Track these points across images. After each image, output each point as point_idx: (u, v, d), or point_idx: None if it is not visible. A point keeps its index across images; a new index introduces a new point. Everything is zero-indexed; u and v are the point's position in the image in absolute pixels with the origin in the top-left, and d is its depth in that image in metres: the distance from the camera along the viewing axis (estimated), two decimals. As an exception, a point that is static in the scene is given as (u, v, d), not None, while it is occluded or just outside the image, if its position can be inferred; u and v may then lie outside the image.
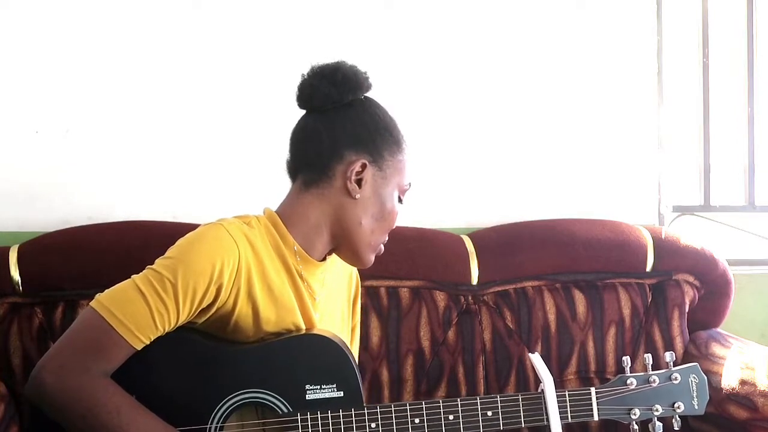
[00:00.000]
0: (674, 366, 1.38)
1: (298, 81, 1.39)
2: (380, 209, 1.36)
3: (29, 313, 1.69)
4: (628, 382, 1.35)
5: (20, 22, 1.87)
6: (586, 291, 1.94)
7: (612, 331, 1.93)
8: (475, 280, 1.91)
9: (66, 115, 1.90)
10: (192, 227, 1.48)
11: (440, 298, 1.88)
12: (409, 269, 1.87)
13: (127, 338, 1.20)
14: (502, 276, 1.93)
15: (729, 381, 1.80)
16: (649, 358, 1.39)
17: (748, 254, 2.36)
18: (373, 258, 1.39)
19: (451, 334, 1.87)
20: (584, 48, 2.19)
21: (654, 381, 1.35)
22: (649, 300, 1.98)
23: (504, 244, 1.96)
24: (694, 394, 1.36)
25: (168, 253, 1.27)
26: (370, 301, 1.84)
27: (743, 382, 1.77)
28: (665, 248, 1.99)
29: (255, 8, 1.98)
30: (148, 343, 1.23)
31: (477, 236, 1.99)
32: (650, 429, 1.37)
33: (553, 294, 1.94)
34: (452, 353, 1.87)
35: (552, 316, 1.92)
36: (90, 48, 1.90)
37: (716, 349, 1.91)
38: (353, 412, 1.29)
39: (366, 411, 1.29)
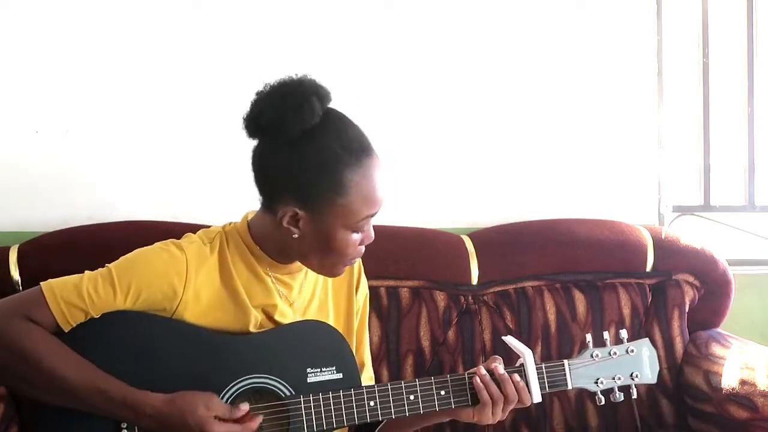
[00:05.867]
0: (628, 341, 1.50)
1: None
2: (326, 245, 1.32)
3: (29, 313, 1.69)
4: (594, 354, 1.46)
5: (20, 22, 1.87)
6: (586, 291, 1.94)
7: (612, 331, 1.93)
8: (475, 280, 1.91)
9: (66, 115, 1.90)
10: (192, 227, 1.48)
11: (440, 298, 1.88)
12: (409, 269, 1.87)
13: (52, 306, 1.26)
14: (502, 276, 1.93)
15: (729, 381, 1.80)
16: (606, 334, 1.49)
17: (748, 254, 2.36)
18: (342, 270, 1.39)
19: (451, 334, 1.87)
20: (584, 48, 2.19)
21: (615, 354, 1.47)
22: (649, 300, 1.98)
23: (504, 244, 1.96)
24: (647, 364, 1.48)
25: (122, 257, 1.34)
26: (370, 301, 1.83)
27: (743, 382, 1.77)
28: (665, 248, 1.99)
29: (255, 11, 1.98)
30: (73, 315, 1.27)
31: (477, 236, 1.99)
32: (611, 399, 1.45)
33: (553, 294, 1.93)
34: (452, 353, 1.87)
35: (552, 316, 1.92)
36: (90, 48, 1.90)
37: (716, 349, 1.90)
38: (353, 392, 1.35)
39: (365, 390, 1.36)
